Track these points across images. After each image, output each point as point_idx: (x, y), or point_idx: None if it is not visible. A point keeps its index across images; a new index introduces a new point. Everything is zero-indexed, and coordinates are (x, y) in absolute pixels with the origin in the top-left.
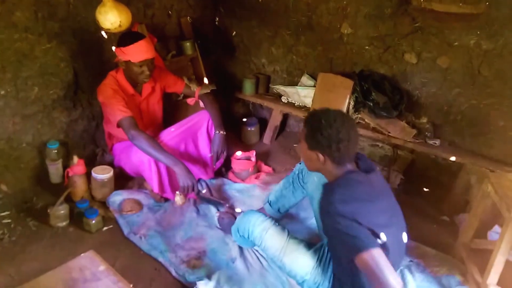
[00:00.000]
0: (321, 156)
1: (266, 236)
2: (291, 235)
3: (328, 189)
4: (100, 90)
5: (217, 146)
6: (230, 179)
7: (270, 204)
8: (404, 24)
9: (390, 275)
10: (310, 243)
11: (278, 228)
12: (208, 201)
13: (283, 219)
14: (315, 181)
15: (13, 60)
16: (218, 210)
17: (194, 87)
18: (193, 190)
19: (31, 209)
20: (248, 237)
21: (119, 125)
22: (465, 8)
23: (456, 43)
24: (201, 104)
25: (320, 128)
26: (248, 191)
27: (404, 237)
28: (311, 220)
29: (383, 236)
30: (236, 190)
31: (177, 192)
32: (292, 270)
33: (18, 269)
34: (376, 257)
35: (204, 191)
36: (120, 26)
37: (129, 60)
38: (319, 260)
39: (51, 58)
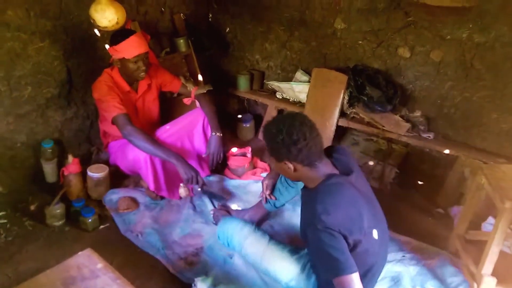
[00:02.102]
0: (289, 165)
1: (246, 244)
2: (273, 240)
3: (309, 197)
4: (95, 87)
5: (213, 148)
6: (226, 176)
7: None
8: (397, 18)
9: None
10: (294, 249)
11: (258, 234)
12: (211, 194)
13: (277, 216)
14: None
15: (5, 60)
16: (214, 206)
17: (191, 87)
18: (197, 181)
19: (27, 209)
20: (229, 245)
21: (113, 122)
22: (457, 2)
23: (448, 37)
24: (197, 104)
25: (274, 138)
26: (245, 188)
27: (386, 233)
28: None
29: (375, 234)
30: (233, 187)
31: (181, 184)
32: (276, 276)
33: (15, 269)
34: (354, 282)
35: (199, 189)
36: (117, 23)
37: (124, 57)
38: (304, 267)
39: (44, 57)
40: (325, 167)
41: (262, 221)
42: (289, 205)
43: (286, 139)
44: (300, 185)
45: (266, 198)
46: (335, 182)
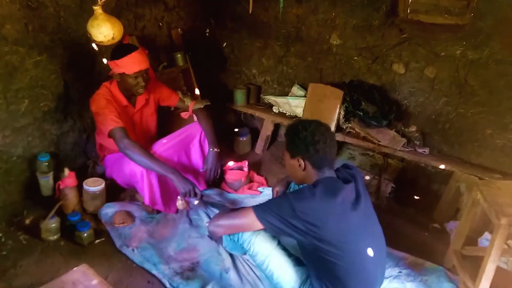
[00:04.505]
0: (301, 162)
1: (255, 240)
2: (281, 245)
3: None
4: (94, 100)
5: (211, 163)
6: (223, 189)
7: None
8: (391, 35)
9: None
10: (299, 259)
11: (268, 234)
12: (212, 204)
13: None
14: None
15: (3, 73)
16: (210, 219)
17: (188, 102)
18: (195, 194)
19: (21, 223)
20: (238, 240)
21: (110, 135)
22: (451, 19)
23: (442, 54)
24: (195, 118)
25: (297, 132)
26: (242, 202)
27: (384, 251)
28: None
29: (370, 251)
30: (229, 201)
31: (178, 197)
32: (279, 282)
33: (9, 284)
34: (251, 220)
35: (196, 202)
36: (113, 38)
37: (124, 72)
38: (305, 282)
39: (41, 71)
40: (328, 174)
41: None
42: None
43: (308, 137)
44: None
45: None
46: (334, 181)
